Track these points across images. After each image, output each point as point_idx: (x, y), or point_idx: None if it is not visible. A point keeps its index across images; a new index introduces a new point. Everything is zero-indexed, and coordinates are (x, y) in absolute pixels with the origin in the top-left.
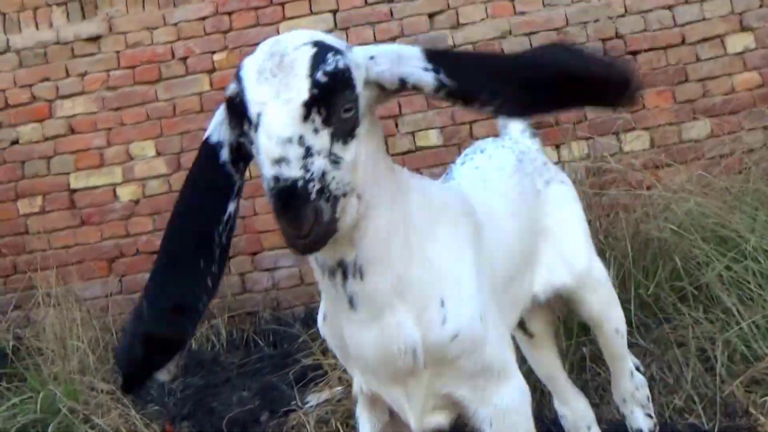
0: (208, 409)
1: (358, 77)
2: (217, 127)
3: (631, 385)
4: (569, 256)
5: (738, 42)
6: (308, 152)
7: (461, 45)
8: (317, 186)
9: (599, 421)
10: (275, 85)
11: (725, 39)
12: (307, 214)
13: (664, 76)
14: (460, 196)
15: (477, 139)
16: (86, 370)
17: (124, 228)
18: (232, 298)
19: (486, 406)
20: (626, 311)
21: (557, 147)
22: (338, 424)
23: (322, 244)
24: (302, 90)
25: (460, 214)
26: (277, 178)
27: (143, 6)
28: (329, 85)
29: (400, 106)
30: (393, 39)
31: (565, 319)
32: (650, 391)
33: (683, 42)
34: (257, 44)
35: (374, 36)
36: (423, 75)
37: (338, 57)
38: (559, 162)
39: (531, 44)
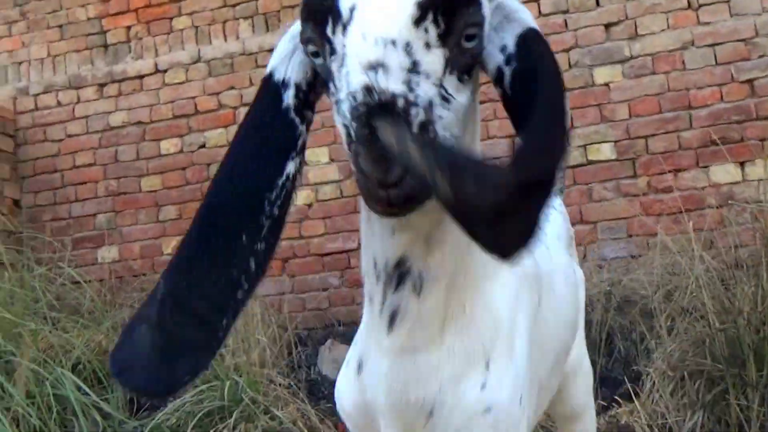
0: None
1: (486, 3)
2: (284, 60)
3: None
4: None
5: None
6: (415, 67)
7: (639, 56)
8: (421, 116)
9: None
10: None
11: None
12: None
13: None
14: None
15: (654, 154)
16: (266, 363)
17: (297, 230)
18: None
19: None
20: None
21: (742, 165)
22: None
23: (415, 203)
24: None
25: (528, 271)
26: (369, 89)
27: None
28: None
29: (572, 117)
30: (567, 50)
31: (755, 348)
32: None
33: None
34: None
35: None
36: (495, 53)
37: None
38: (744, 180)
39: (716, 56)
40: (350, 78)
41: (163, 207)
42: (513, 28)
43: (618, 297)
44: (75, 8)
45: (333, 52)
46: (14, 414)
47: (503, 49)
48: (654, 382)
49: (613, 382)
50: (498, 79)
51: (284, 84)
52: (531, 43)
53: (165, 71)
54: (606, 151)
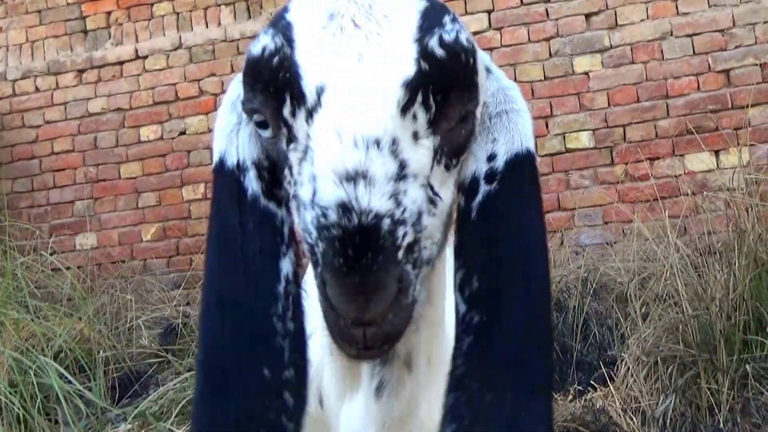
0: None
1: (482, 73)
2: (231, 138)
3: None
4: None
5: None
6: (402, 173)
7: (619, 46)
8: (410, 236)
9: None
10: (358, 41)
11: None
12: (388, 282)
13: None
14: None
15: (631, 143)
16: None
17: None
18: None
19: None
20: None
21: (717, 153)
22: None
23: (393, 343)
24: (405, 58)
25: None
26: (346, 209)
27: None
28: (448, 64)
29: (551, 106)
30: (548, 39)
31: (726, 335)
32: None
33: None
34: None
35: (528, 36)
36: (481, 155)
37: (458, 26)
38: (719, 168)
39: (693, 47)
40: (320, 187)
41: (142, 194)
42: (511, 137)
43: (594, 283)
44: None
45: (293, 139)
46: None
47: (491, 158)
48: (628, 367)
49: (589, 367)
50: (469, 189)
51: (240, 168)
52: (524, 175)
53: (145, 57)
54: (584, 140)
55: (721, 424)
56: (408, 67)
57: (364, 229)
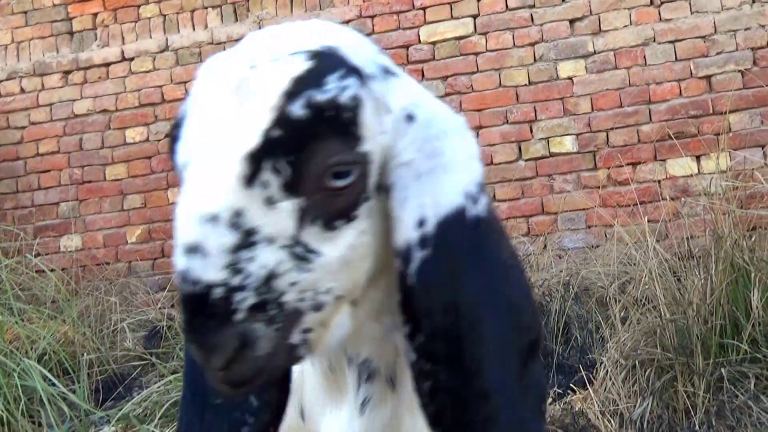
0: None
1: (374, 130)
2: None
3: None
4: None
5: None
6: (246, 240)
7: (602, 51)
8: (250, 300)
9: None
10: (221, 118)
11: None
12: (222, 343)
13: None
14: None
15: (614, 147)
16: None
17: None
18: None
19: None
20: None
21: (698, 158)
22: None
23: (251, 385)
24: (254, 130)
25: None
26: (184, 277)
27: (291, 9)
28: (308, 124)
29: (535, 110)
30: (532, 44)
31: (703, 339)
32: None
33: None
34: (399, 47)
35: (513, 41)
36: (409, 220)
37: (348, 82)
38: (699, 174)
39: (676, 53)
40: (176, 256)
41: (128, 195)
42: (437, 198)
43: (576, 287)
44: None
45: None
46: None
47: (421, 223)
48: (607, 371)
49: (569, 369)
50: (404, 256)
51: None
52: (460, 235)
53: (132, 59)
54: (568, 144)
55: (697, 427)
56: (254, 139)
57: (195, 297)
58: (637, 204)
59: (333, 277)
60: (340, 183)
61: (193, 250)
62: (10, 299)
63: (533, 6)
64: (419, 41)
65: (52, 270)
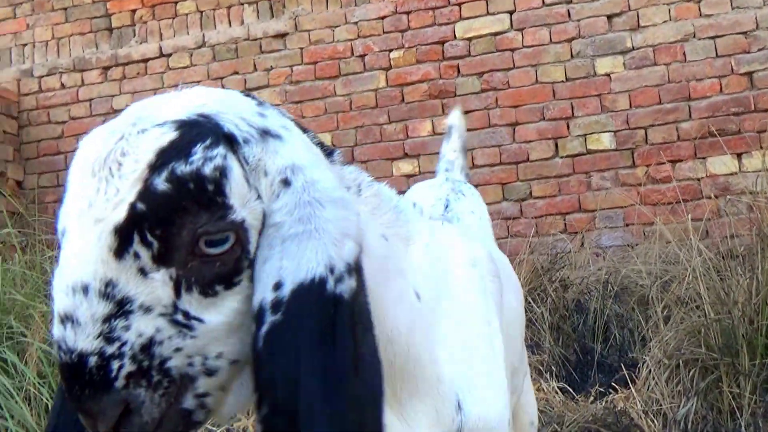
0: None
1: (245, 196)
2: None
3: None
4: None
5: None
6: (120, 310)
7: (640, 47)
8: (128, 367)
9: None
10: (92, 190)
11: None
12: (103, 409)
13: None
14: (485, 248)
15: (653, 145)
16: None
17: None
18: None
19: None
20: None
21: (739, 156)
22: None
23: None
24: (121, 204)
25: (488, 273)
26: (59, 346)
27: (327, 5)
28: (172, 197)
29: (572, 107)
30: (569, 40)
31: (749, 339)
32: None
33: None
34: (434, 43)
35: (550, 37)
36: (267, 281)
37: (214, 152)
38: (741, 172)
39: (716, 49)
40: (53, 324)
41: None
42: (297, 262)
43: (615, 285)
44: None
45: None
46: (26, 393)
47: (278, 285)
48: (650, 370)
49: (609, 368)
50: (257, 317)
51: None
52: (310, 307)
53: (169, 55)
54: (605, 141)
55: (743, 428)
56: (121, 213)
57: (71, 366)
58: (679, 202)
59: (222, 342)
60: (215, 251)
61: (66, 319)
62: None
63: (570, 2)
64: (455, 37)
65: None
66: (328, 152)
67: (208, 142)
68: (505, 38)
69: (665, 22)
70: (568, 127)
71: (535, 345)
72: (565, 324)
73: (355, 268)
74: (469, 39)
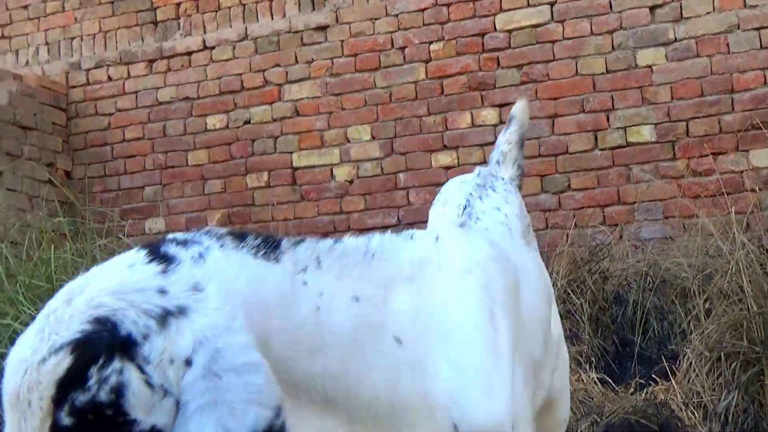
0: None
1: (150, 400)
2: None
3: None
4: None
5: None
6: None
7: (683, 39)
8: None
9: None
10: (16, 425)
11: None
12: None
13: None
14: (494, 247)
15: (694, 137)
16: None
17: (338, 206)
18: None
19: None
20: None
21: None
22: None
23: None
24: None
25: (496, 272)
26: None
27: None
28: (79, 429)
29: (613, 99)
30: (611, 32)
31: None
32: None
33: None
34: (474, 36)
35: (591, 29)
36: None
37: (108, 370)
38: None
39: (761, 40)
40: None
41: (208, 180)
42: (204, 429)
43: (655, 278)
44: None
45: None
46: None
47: None
48: (691, 362)
49: (648, 360)
50: None
51: None
52: None
53: (212, 48)
54: (646, 134)
55: None
56: None
57: None
58: (721, 194)
59: None
60: None
61: None
62: None
63: None
64: (495, 29)
65: None
66: (274, 245)
67: (101, 361)
68: (545, 30)
69: (708, 13)
70: (608, 119)
71: (575, 336)
72: (604, 316)
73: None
74: (510, 31)
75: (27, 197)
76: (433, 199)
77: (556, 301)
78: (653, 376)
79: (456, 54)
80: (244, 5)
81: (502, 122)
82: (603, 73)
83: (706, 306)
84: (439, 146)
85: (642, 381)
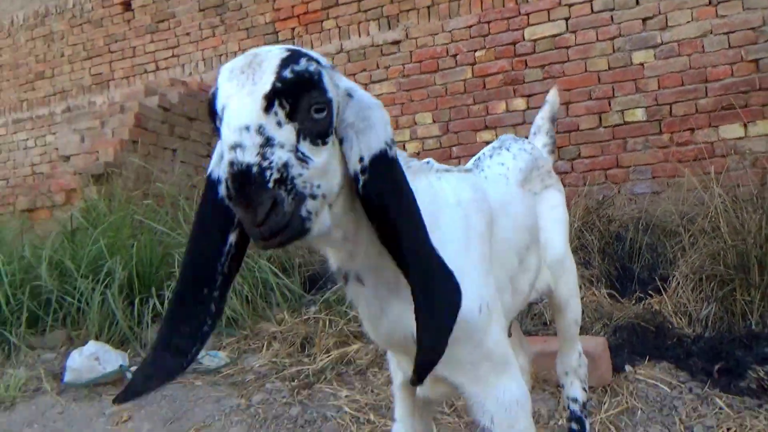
0: None
1: (332, 90)
2: (216, 163)
3: (576, 362)
4: (549, 244)
5: None
6: (268, 142)
7: (668, 42)
8: (275, 175)
9: None
10: (242, 80)
11: None
12: (262, 200)
13: None
14: (477, 191)
15: (675, 117)
16: None
17: None
18: None
19: (488, 400)
20: None
21: (746, 125)
22: None
23: (284, 238)
24: (266, 83)
25: (474, 209)
26: (232, 163)
27: (429, 19)
28: (295, 81)
29: (613, 89)
30: (612, 39)
31: (760, 259)
32: None
33: None
34: (508, 44)
35: (597, 37)
36: (354, 158)
37: (311, 62)
38: (746, 137)
39: (729, 42)
40: (224, 154)
41: None
42: (370, 140)
43: (646, 222)
44: (257, 15)
45: (220, 135)
46: (233, 287)
47: (361, 159)
48: (678, 282)
49: (643, 282)
50: (354, 179)
51: (218, 181)
52: (383, 165)
53: None
54: (639, 115)
55: (753, 326)
56: (267, 87)
57: (241, 173)
58: (696, 160)
59: (319, 178)
60: (318, 116)
61: (237, 146)
62: None
63: (613, 9)
64: (524, 39)
65: None
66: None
67: (306, 58)
68: (562, 38)
69: (688, 22)
70: (609, 104)
71: (587, 263)
72: (609, 248)
73: (394, 142)
74: (535, 40)
75: (193, 167)
76: None
77: (572, 238)
78: (649, 292)
79: (494, 58)
80: (339, 27)
81: (529, 108)
82: (606, 70)
83: (690, 241)
84: (482, 127)
85: (641, 295)
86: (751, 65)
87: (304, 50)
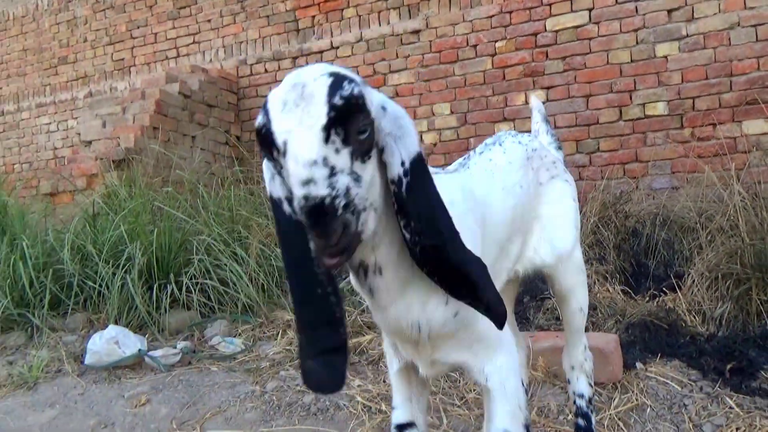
0: None
1: (373, 109)
2: (270, 183)
3: (582, 356)
4: (556, 239)
5: None
6: (332, 171)
7: (693, 35)
8: (343, 201)
9: None
10: (298, 114)
11: None
12: (335, 227)
13: None
14: (465, 191)
15: (698, 111)
16: None
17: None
18: None
19: (486, 366)
20: None
21: None
22: None
23: (350, 252)
24: (321, 115)
25: (464, 209)
26: (306, 197)
27: (449, 8)
28: (345, 107)
29: (635, 82)
30: (635, 30)
31: None
32: None
33: None
34: (529, 35)
35: (620, 28)
36: (396, 163)
37: (353, 85)
38: None
39: (757, 35)
40: (295, 190)
41: None
42: (407, 145)
43: (663, 218)
44: (277, 3)
45: (281, 166)
46: (249, 275)
47: (403, 163)
48: (694, 280)
49: (658, 278)
50: (397, 183)
51: (279, 200)
52: (420, 167)
53: (337, 48)
54: (660, 108)
55: (767, 326)
56: (323, 119)
57: (316, 207)
58: (719, 155)
59: (368, 191)
60: (364, 137)
61: (308, 182)
62: (266, 209)
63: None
64: (545, 30)
65: None
66: None
67: (348, 81)
68: (584, 30)
69: (715, 14)
70: (630, 97)
71: (602, 258)
72: (625, 244)
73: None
74: (557, 31)
75: (212, 154)
76: None
77: (588, 233)
78: (663, 289)
79: (515, 49)
80: (359, 16)
81: (548, 100)
82: (628, 62)
83: (708, 238)
84: (500, 118)
85: (655, 293)
86: None
87: (341, 71)
